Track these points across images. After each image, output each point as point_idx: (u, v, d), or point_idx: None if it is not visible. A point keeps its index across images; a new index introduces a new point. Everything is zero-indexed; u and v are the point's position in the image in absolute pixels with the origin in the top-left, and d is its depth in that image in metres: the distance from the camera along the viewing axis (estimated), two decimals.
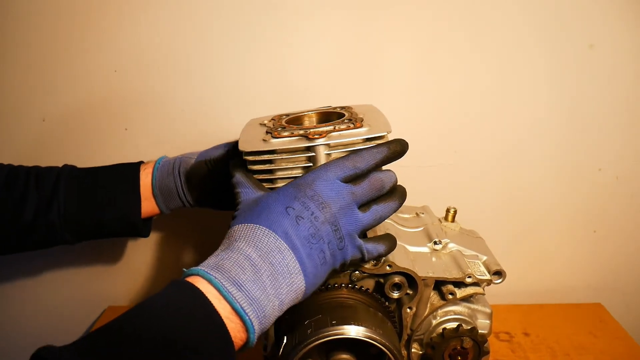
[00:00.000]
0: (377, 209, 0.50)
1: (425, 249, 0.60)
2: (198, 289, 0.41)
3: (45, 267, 0.93)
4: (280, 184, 0.53)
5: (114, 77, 0.82)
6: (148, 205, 0.68)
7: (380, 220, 0.51)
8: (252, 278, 0.42)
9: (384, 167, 0.52)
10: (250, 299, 0.41)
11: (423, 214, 0.67)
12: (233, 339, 0.41)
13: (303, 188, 0.47)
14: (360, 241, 0.49)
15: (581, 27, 0.78)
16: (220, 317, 0.40)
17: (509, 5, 0.77)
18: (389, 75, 0.81)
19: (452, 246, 0.60)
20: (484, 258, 0.60)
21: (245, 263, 0.43)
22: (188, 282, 0.42)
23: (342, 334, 0.49)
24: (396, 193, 0.52)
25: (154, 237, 0.91)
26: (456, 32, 0.79)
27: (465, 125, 0.84)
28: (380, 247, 0.51)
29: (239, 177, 0.53)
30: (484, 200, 0.88)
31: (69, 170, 0.68)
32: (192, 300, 0.40)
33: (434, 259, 0.58)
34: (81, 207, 0.65)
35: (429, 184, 0.86)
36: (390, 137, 0.53)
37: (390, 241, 0.52)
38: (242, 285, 0.41)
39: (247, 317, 0.41)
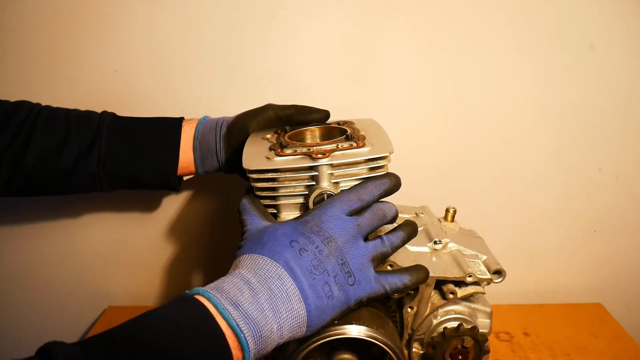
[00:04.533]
0: (384, 238, 0.50)
1: (425, 249, 0.60)
2: (202, 303, 0.42)
3: (46, 267, 0.92)
4: (283, 202, 0.54)
5: (114, 77, 0.81)
6: (185, 159, 0.67)
7: (390, 248, 0.50)
8: (250, 300, 0.43)
9: None
10: (246, 318, 0.42)
11: (422, 214, 0.67)
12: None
13: (309, 224, 0.48)
14: (375, 274, 0.49)
15: (581, 27, 0.78)
16: (222, 330, 0.41)
17: (509, 5, 0.77)
18: (389, 76, 0.81)
19: (452, 246, 0.60)
20: (484, 257, 0.60)
21: (243, 286, 0.44)
22: (193, 297, 0.43)
23: (343, 334, 0.49)
24: (406, 225, 0.52)
25: (154, 236, 0.91)
26: (456, 33, 0.79)
27: (465, 125, 0.84)
28: (404, 278, 0.50)
29: (245, 203, 0.54)
30: (483, 200, 0.88)
31: (111, 117, 0.68)
32: (195, 313, 0.42)
33: (434, 259, 0.58)
34: (121, 156, 0.66)
35: (429, 184, 0.86)
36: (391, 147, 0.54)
37: (418, 272, 0.51)
38: (240, 305, 0.42)
39: (242, 335, 0.42)
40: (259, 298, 0.43)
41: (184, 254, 0.92)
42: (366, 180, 0.52)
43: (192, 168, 0.68)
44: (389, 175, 0.53)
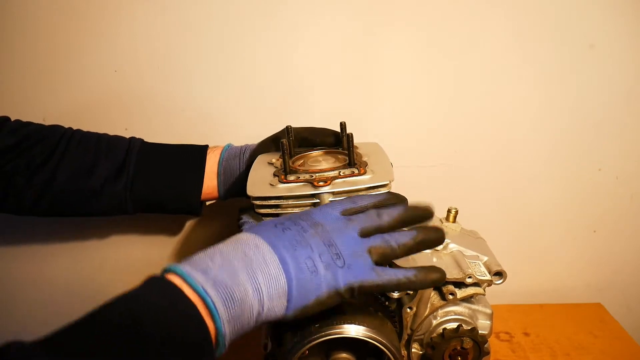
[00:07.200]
0: (386, 235, 0.46)
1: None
2: (169, 279, 0.40)
3: (46, 267, 0.92)
4: None
5: (114, 77, 0.81)
6: (209, 186, 0.69)
7: (396, 244, 0.45)
8: (221, 263, 0.41)
9: None
10: (214, 281, 0.40)
11: None
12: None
13: (300, 214, 0.49)
14: (372, 263, 0.44)
15: (581, 27, 0.78)
16: (190, 299, 0.39)
17: (509, 5, 0.77)
18: (389, 77, 0.81)
19: (453, 246, 0.60)
20: (485, 259, 0.60)
21: (215, 254, 0.43)
22: (160, 277, 0.41)
23: (341, 333, 0.49)
24: (425, 227, 0.47)
25: (155, 237, 0.91)
26: (456, 33, 0.78)
27: (465, 125, 0.84)
28: (409, 272, 0.45)
29: (245, 218, 0.56)
30: (484, 200, 0.88)
31: (139, 143, 0.70)
32: (163, 289, 0.40)
33: (434, 259, 0.58)
34: (147, 181, 0.68)
35: (430, 184, 0.86)
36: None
37: (430, 272, 0.46)
38: (208, 270, 0.40)
39: (210, 298, 0.39)
40: (231, 262, 0.41)
41: (184, 254, 0.92)
42: (364, 194, 0.54)
43: (215, 193, 0.70)
44: (391, 193, 0.53)
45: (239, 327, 0.41)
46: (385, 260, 0.46)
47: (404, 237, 0.46)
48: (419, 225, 0.47)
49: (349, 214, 0.48)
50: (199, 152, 0.70)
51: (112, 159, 0.68)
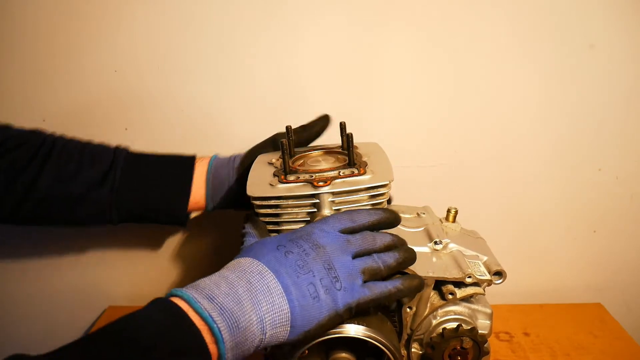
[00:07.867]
0: (374, 255, 0.49)
1: (425, 249, 0.60)
2: (175, 303, 0.41)
3: (46, 267, 0.93)
4: (285, 227, 0.56)
5: (113, 77, 0.82)
6: (197, 195, 0.68)
7: (382, 265, 0.49)
8: (227, 292, 0.42)
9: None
10: (221, 309, 0.41)
11: (424, 214, 0.67)
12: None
13: (299, 233, 0.49)
14: (361, 281, 0.48)
15: (581, 27, 0.78)
16: (196, 325, 0.40)
17: (509, 5, 0.77)
18: (389, 77, 0.81)
19: (452, 246, 0.60)
20: (485, 258, 0.60)
21: (221, 281, 0.43)
22: (165, 298, 0.42)
23: (341, 333, 0.49)
24: (403, 248, 0.52)
25: (155, 237, 0.91)
26: (456, 33, 0.78)
27: (465, 125, 0.84)
28: (396, 282, 0.49)
29: (247, 227, 0.56)
30: (484, 200, 0.88)
31: (125, 152, 0.69)
32: (169, 312, 0.41)
33: (434, 259, 0.58)
34: (133, 190, 0.67)
35: (430, 184, 0.86)
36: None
37: (412, 279, 0.51)
38: (214, 298, 0.42)
39: (216, 325, 0.40)
40: (236, 290, 0.42)
41: (184, 255, 0.92)
42: (361, 208, 0.54)
43: (202, 203, 0.69)
44: (386, 210, 0.53)
45: (240, 354, 0.43)
46: (374, 279, 0.49)
47: (389, 258, 0.50)
48: (400, 247, 0.52)
49: (347, 232, 0.50)
50: (186, 162, 0.69)
51: (97, 167, 0.66)
